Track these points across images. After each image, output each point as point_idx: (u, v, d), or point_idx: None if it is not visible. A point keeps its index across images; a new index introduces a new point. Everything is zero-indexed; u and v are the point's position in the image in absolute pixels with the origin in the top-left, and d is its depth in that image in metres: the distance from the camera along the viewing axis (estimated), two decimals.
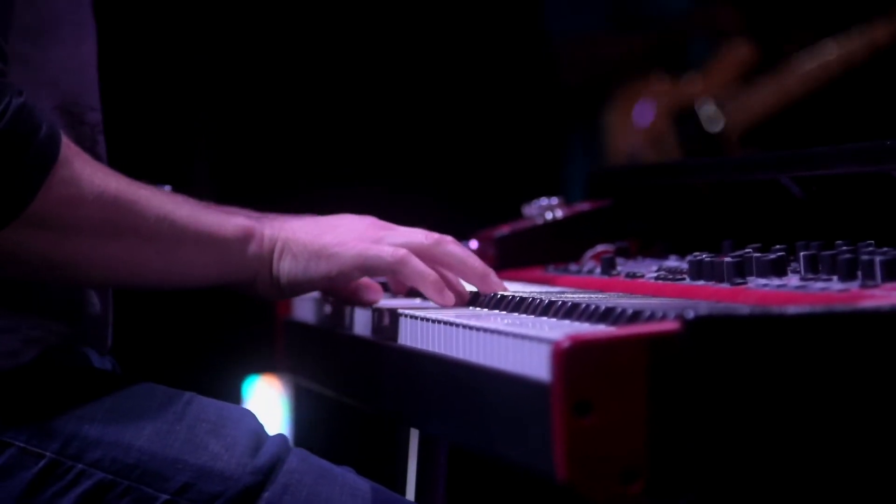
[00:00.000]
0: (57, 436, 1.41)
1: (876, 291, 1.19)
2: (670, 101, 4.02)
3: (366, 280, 1.60)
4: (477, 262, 1.57)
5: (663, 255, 1.85)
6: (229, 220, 1.51)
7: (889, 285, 1.21)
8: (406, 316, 1.46)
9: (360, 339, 1.58)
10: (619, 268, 1.70)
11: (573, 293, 1.56)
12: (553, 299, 1.35)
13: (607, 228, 2.00)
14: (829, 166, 1.61)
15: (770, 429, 1.04)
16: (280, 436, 1.49)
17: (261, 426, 1.49)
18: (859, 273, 1.26)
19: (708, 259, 1.45)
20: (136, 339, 2.23)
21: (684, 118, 3.99)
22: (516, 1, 4.20)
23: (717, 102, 3.96)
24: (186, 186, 1.81)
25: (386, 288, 1.70)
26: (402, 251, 1.52)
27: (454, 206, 3.52)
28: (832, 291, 1.22)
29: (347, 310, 1.64)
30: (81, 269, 1.43)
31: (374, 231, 1.56)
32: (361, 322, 1.59)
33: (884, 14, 3.90)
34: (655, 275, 1.56)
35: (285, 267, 1.53)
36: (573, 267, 1.85)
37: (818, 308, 1.08)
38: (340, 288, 1.61)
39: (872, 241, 1.41)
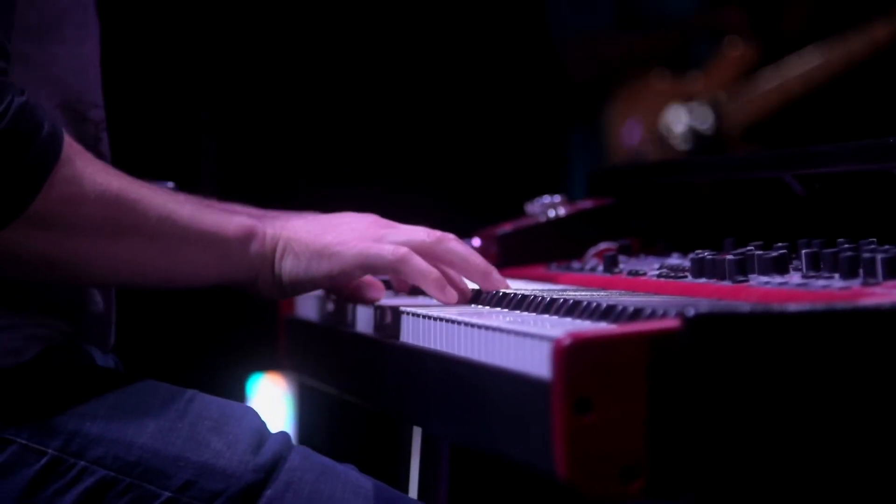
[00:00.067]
0: (59, 433, 1.41)
1: (877, 289, 1.19)
2: (671, 100, 4.02)
3: (368, 278, 1.61)
4: (479, 260, 1.57)
5: (665, 253, 1.85)
6: (231, 220, 1.51)
7: (890, 283, 1.21)
8: (408, 314, 1.46)
9: (362, 337, 1.58)
10: (621, 266, 1.70)
11: (575, 291, 1.56)
12: (555, 297, 1.35)
13: (610, 226, 2.00)
14: (831, 164, 1.61)
15: (771, 427, 1.04)
16: (282, 433, 1.49)
17: (263, 424, 1.49)
18: (861, 271, 1.26)
19: (710, 257, 1.45)
20: (139, 337, 2.23)
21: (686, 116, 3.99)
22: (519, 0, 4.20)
23: (712, 101, 3.97)
24: (190, 183, 1.81)
25: (388, 286, 1.70)
26: (404, 249, 1.52)
27: (457, 204, 3.52)
28: (833, 289, 1.22)
29: (350, 308, 1.64)
30: (83, 268, 1.43)
31: (376, 229, 1.56)
32: (364, 320, 1.59)
33: (884, 14, 3.90)
34: (657, 273, 1.56)
35: (287, 266, 1.53)
36: (575, 265, 1.85)
37: (819, 306, 1.08)
38: (342, 286, 1.61)
39: (874, 239, 1.41)
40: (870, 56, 3.90)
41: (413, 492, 1.96)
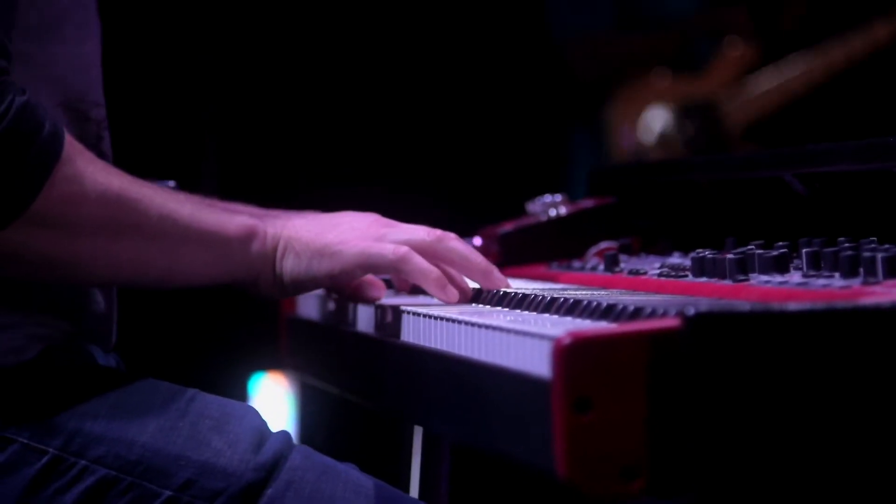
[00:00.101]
0: (60, 432, 1.41)
1: (877, 288, 1.19)
2: (672, 100, 4.02)
3: (369, 277, 1.61)
4: (480, 259, 1.57)
5: (666, 252, 1.85)
6: (232, 220, 1.51)
7: (890, 282, 1.21)
8: (409, 313, 1.46)
9: (363, 336, 1.59)
10: (622, 265, 1.70)
11: (576, 290, 1.56)
12: (555, 296, 1.35)
13: (611, 225, 2.00)
14: (832, 163, 1.60)
15: (771, 426, 1.04)
16: (283, 432, 1.49)
17: (264, 423, 1.49)
18: (861, 270, 1.26)
19: (710, 256, 1.45)
20: (140, 336, 2.23)
21: (688, 115, 3.99)
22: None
23: (711, 101, 3.98)
24: (191, 183, 1.82)
25: (389, 285, 1.70)
26: (404, 249, 1.52)
27: (458, 203, 3.52)
28: (834, 288, 1.22)
29: (351, 307, 1.65)
30: (84, 268, 1.43)
31: (377, 228, 1.56)
32: (364, 319, 1.60)
33: (884, 14, 3.91)
34: (658, 272, 1.56)
35: (288, 265, 1.53)
36: (576, 264, 1.85)
37: (819, 305, 1.08)
38: (343, 285, 1.62)
39: (874, 238, 1.41)
40: (870, 56, 3.90)
41: (414, 491, 1.96)
